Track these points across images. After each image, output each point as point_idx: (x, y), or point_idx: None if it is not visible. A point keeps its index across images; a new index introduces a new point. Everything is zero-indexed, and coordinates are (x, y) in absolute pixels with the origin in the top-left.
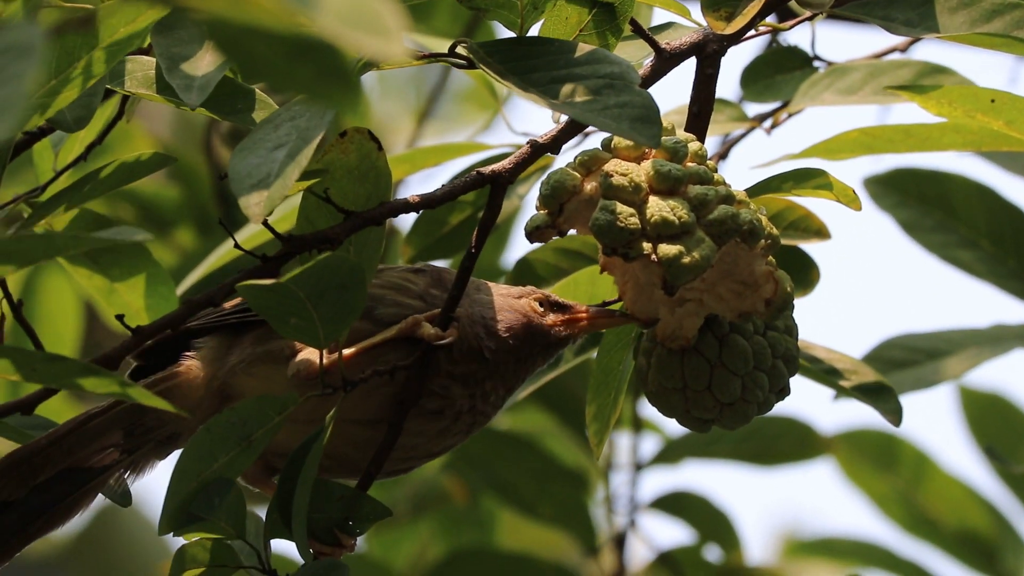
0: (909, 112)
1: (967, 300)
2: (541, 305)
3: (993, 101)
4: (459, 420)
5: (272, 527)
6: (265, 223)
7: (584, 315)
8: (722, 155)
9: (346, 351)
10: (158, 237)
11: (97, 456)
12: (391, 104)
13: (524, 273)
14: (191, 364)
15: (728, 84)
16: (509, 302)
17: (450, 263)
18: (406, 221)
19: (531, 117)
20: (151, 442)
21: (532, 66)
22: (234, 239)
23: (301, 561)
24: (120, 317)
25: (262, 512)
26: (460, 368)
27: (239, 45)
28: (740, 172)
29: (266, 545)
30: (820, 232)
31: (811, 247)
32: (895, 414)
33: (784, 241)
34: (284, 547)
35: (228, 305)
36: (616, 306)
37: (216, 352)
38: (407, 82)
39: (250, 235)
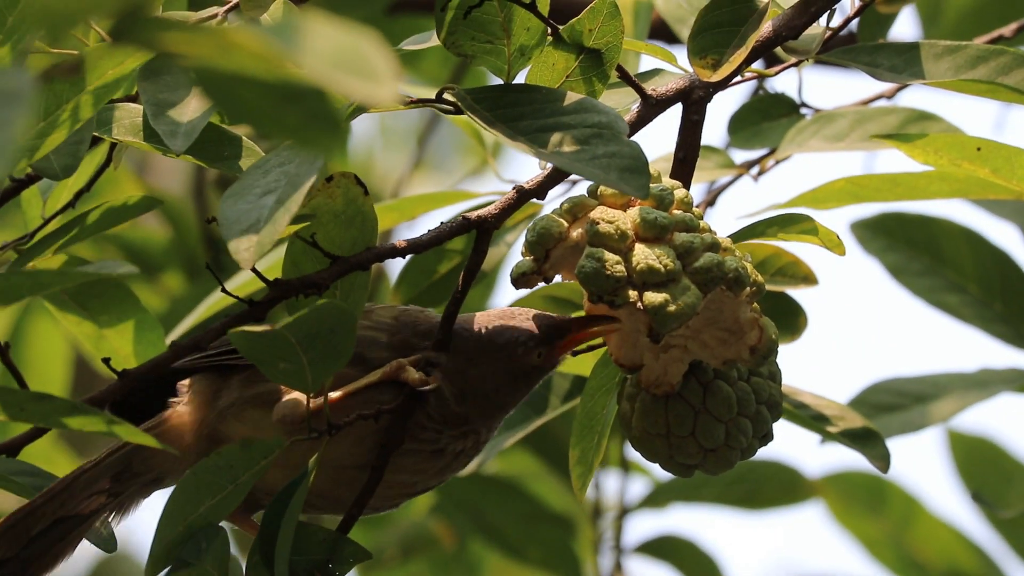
0: (896, 158)
1: (954, 345)
2: (531, 341)
3: (979, 149)
4: (459, 458)
5: (253, 569)
6: (254, 269)
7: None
8: (709, 202)
9: (332, 395)
10: (146, 282)
11: (86, 503)
12: (394, 155)
13: None
14: (180, 410)
15: (715, 130)
16: (490, 341)
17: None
18: (394, 269)
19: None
20: (136, 485)
21: (520, 114)
22: (220, 283)
23: None
24: (107, 360)
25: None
26: (438, 410)
27: (225, 91)
28: (728, 219)
29: None
30: (807, 278)
31: (798, 293)
32: (883, 460)
33: (771, 287)
34: None
35: (211, 346)
36: (600, 351)
37: (204, 396)
38: (408, 132)
39: (241, 283)
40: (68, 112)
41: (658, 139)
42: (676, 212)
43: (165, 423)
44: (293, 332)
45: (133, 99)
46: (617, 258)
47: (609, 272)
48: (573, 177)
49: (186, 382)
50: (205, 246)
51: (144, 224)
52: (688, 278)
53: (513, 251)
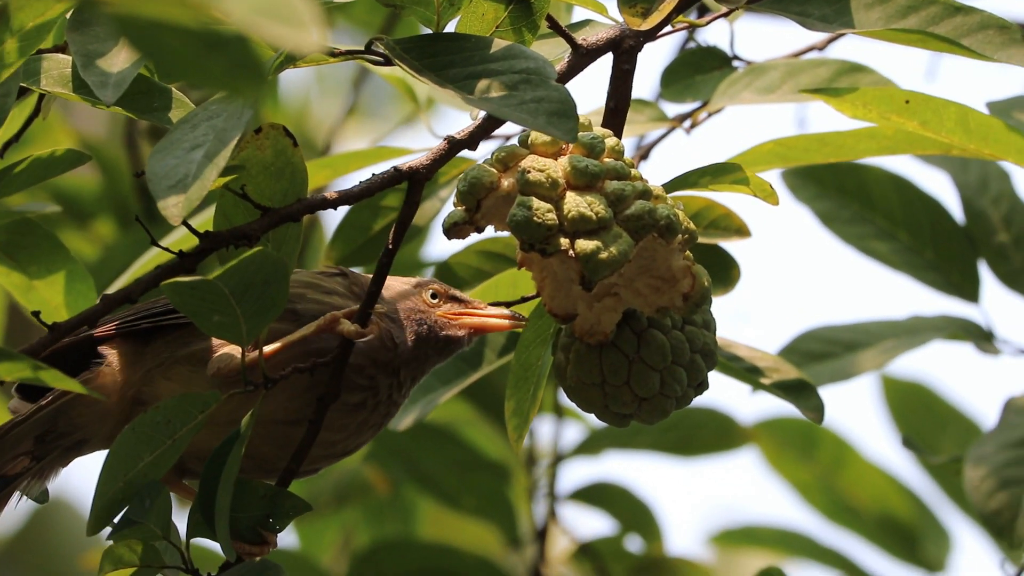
0: (828, 110)
1: (885, 292)
2: (434, 296)
3: (907, 102)
4: (376, 411)
5: (195, 527)
6: (184, 222)
7: (481, 313)
8: (642, 156)
9: (267, 348)
10: (78, 229)
11: (9, 464)
12: (330, 102)
13: (445, 276)
14: (103, 371)
15: (647, 84)
16: (405, 291)
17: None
18: (328, 225)
19: (453, 120)
20: (59, 448)
21: (448, 62)
22: (151, 236)
23: (222, 555)
24: (36, 313)
25: (178, 514)
26: (381, 356)
27: (150, 38)
28: (661, 174)
29: (187, 545)
30: (740, 230)
31: (731, 245)
32: (817, 412)
33: (704, 240)
34: (203, 542)
35: (133, 310)
36: (534, 302)
37: (128, 358)
38: (344, 80)
39: (177, 238)
40: None
41: (590, 93)
42: (607, 160)
43: (90, 383)
44: (226, 282)
45: (62, 49)
46: (548, 206)
47: (540, 220)
48: (506, 131)
49: (110, 346)
50: (137, 194)
51: (76, 172)
52: (620, 226)
53: (447, 206)
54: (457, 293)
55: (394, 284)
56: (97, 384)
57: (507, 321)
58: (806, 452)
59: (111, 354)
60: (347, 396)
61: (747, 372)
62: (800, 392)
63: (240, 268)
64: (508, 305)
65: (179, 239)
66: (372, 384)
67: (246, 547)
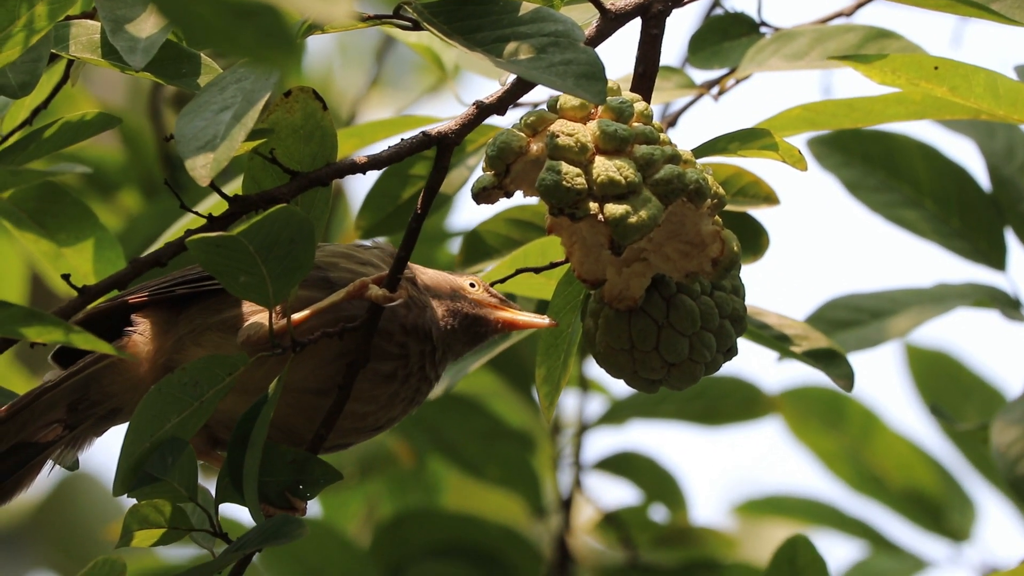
0: (856, 76)
1: (911, 259)
2: (472, 285)
3: (936, 68)
4: (407, 383)
5: (223, 491)
6: (212, 184)
7: (512, 307)
8: (670, 122)
9: (296, 315)
10: (104, 201)
11: (43, 431)
12: (353, 73)
13: (475, 244)
14: (135, 339)
15: (675, 52)
16: (446, 275)
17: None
18: (355, 195)
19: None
20: (92, 417)
21: (477, 25)
22: (180, 199)
23: (250, 524)
24: (66, 277)
25: (208, 483)
26: (410, 320)
27: (180, 7)
28: (688, 140)
29: (216, 509)
30: (769, 198)
31: (760, 213)
32: (847, 379)
33: (733, 208)
34: (233, 512)
35: (167, 277)
36: (564, 267)
37: (161, 326)
38: (367, 50)
39: (206, 206)
40: (22, 26)
41: (619, 59)
42: (636, 124)
43: (122, 351)
44: (251, 239)
45: (90, 16)
46: (577, 170)
47: (569, 184)
48: (534, 98)
49: (142, 314)
50: (162, 164)
51: (100, 143)
52: (649, 190)
53: (475, 173)
54: (495, 291)
55: (435, 271)
56: (129, 351)
57: (538, 320)
58: (831, 421)
59: (143, 322)
60: (377, 364)
61: (776, 340)
62: (830, 360)
63: (265, 224)
64: (537, 271)
65: (207, 206)
66: (403, 351)
67: (274, 511)
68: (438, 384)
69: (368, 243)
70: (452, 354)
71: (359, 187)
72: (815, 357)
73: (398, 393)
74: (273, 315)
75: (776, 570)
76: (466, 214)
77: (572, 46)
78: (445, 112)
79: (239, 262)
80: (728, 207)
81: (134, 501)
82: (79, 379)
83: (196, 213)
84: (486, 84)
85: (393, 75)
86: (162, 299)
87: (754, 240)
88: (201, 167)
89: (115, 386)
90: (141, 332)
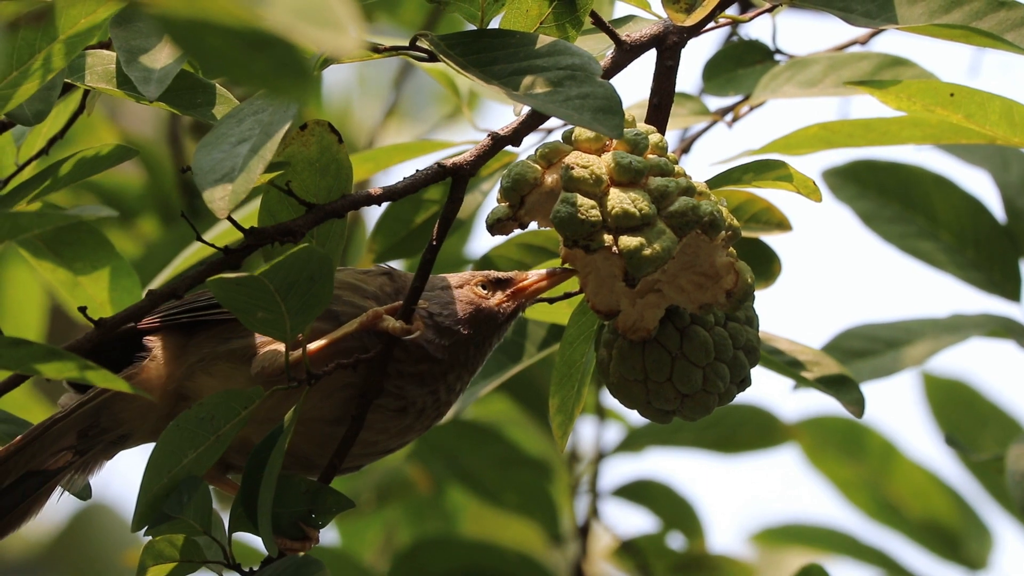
0: (870, 104)
1: (926, 290)
2: (484, 288)
3: (952, 95)
4: (422, 417)
5: (236, 521)
6: (229, 217)
7: (526, 283)
8: (684, 149)
9: (312, 345)
10: (121, 228)
11: (53, 459)
12: (371, 104)
13: (487, 269)
14: (148, 365)
15: (689, 78)
16: (453, 294)
17: (415, 262)
18: (371, 220)
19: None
20: (102, 443)
21: (493, 58)
22: (195, 231)
23: (263, 551)
24: (83, 309)
25: (220, 507)
26: (410, 368)
27: (193, 38)
28: (702, 167)
29: (229, 539)
30: (781, 224)
31: (772, 239)
32: (858, 405)
33: (746, 234)
34: (245, 537)
35: (179, 303)
36: (577, 298)
37: (172, 352)
38: (386, 82)
39: (219, 233)
40: (40, 61)
41: (633, 87)
42: (651, 156)
43: (133, 378)
44: (271, 279)
45: (106, 46)
46: (592, 202)
47: (584, 216)
48: (549, 126)
49: (154, 338)
50: (180, 192)
51: (119, 170)
52: (663, 222)
53: (489, 199)
54: (500, 275)
55: (442, 288)
56: (141, 379)
57: (547, 281)
58: (849, 450)
59: (155, 347)
60: (387, 401)
61: (788, 366)
62: (841, 386)
63: (286, 264)
64: (552, 301)
65: (221, 234)
66: (402, 394)
67: (288, 543)
68: (454, 405)
69: (379, 268)
70: (481, 363)
71: (375, 210)
72: (826, 383)
73: (411, 426)
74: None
75: None
76: (483, 240)
77: (589, 80)
78: (459, 136)
79: (258, 300)
80: (741, 233)
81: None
82: (90, 407)
83: (212, 245)
84: (502, 110)
85: (411, 106)
86: (173, 325)
87: (766, 266)
88: (219, 199)
89: (126, 413)
90: (153, 358)
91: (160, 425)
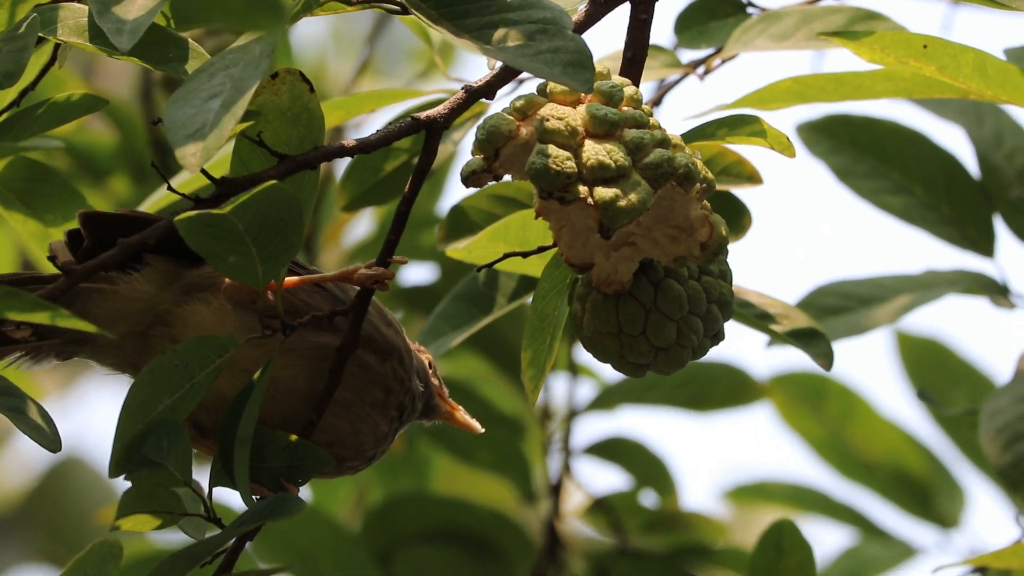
0: (843, 58)
1: (900, 246)
2: (430, 366)
3: (925, 47)
4: (392, 425)
5: (216, 476)
6: (201, 169)
7: (456, 408)
8: (656, 101)
9: (287, 280)
10: (94, 186)
11: (15, 325)
12: (346, 61)
13: (458, 220)
14: (137, 276)
15: (662, 31)
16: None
17: (385, 210)
18: (341, 167)
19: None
20: (63, 335)
21: (465, 11)
22: (167, 182)
23: (242, 509)
24: (52, 258)
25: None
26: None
27: None
28: (675, 119)
29: (210, 494)
30: (752, 178)
31: (743, 193)
32: (826, 358)
33: (716, 187)
34: (226, 498)
35: None
36: (551, 252)
37: (165, 275)
38: (360, 39)
39: (185, 180)
40: (6, 8)
41: (607, 40)
42: (626, 109)
43: (117, 282)
44: (240, 218)
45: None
46: (567, 154)
47: (559, 168)
48: (523, 78)
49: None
50: (153, 149)
51: (91, 128)
52: (638, 174)
53: (461, 150)
54: (439, 374)
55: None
56: (122, 287)
57: (473, 424)
58: (820, 407)
59: (151, 265)
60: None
61: (758, 319)
62: (810, 339)
63: (254, 202)
64: (525, 255)
65: (194, 188)
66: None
67: (266, 492)
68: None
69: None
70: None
71: (345, 161)
72: (795, 336)
73: (387, 436)
74: (261, 295)
75: (762, 554)
76: (455, 191)
77: (560, 33)
78: (433, 86)
79: (228, 241)
80: None
81: (128, 484)
82: (66, 284)
83: (183, 195)
84: (477, 60)
85: (385, 61)
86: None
87: (736, 220)
88: (191, 155)
89: (98, 310)
90: (145, 272)
91: (127, 342)
